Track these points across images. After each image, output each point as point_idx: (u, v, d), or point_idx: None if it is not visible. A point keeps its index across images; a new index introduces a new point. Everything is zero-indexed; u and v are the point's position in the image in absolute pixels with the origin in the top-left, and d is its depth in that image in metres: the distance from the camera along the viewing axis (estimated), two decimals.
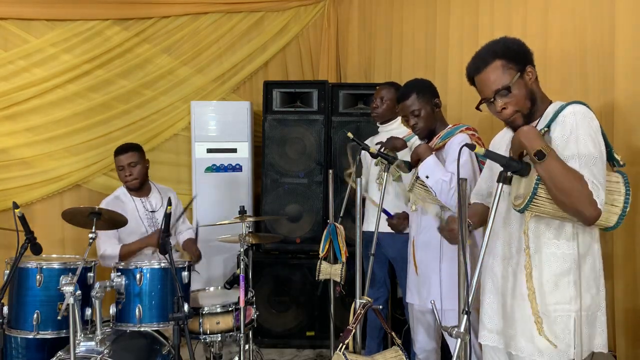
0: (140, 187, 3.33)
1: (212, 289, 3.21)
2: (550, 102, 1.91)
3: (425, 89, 2.63)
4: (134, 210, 3.28)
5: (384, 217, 2.63)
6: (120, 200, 3.30)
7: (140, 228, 3.28)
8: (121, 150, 3.32)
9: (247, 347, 2.90)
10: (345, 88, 4.27)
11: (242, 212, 2.93)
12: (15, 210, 2.48)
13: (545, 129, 1.80)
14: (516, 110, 1.85)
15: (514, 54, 1.85)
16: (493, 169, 2.02)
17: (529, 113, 1.86)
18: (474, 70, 1.90)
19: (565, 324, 1.78)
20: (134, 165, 3.29)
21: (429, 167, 2.44)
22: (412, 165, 2.54)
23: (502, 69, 1.83)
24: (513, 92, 1.83)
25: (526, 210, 1.73)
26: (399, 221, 2.97)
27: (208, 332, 2.77)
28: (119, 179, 4.21)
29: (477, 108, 1.94)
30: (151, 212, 3.32)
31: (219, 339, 2.81)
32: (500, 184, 1.69)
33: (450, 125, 2.64)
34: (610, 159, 1.85)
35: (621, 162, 1.86)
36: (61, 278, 2.35)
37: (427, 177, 2.43)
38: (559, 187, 1.65)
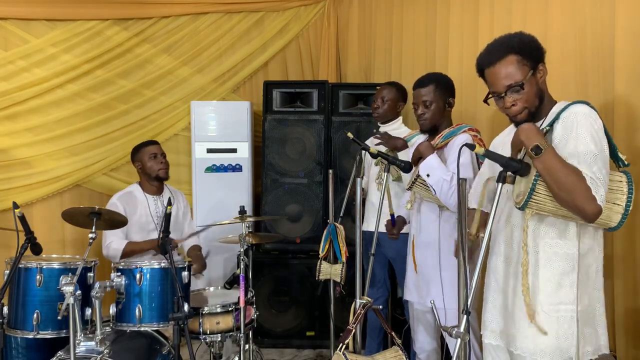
0: (166, 179, 3.40)
1: (212, 289, 3.21)
2: (555, 102, 1.91)
3: (444, 84, 2.63)
4: (146, 207, 3.31)
5: (384, 217, 2.62)
6: (132, 195, 3.33)
7: (149, 225, 3.29)
8: (151, 142, 3.45)
9: (247, 347, 2.90)
10: (345, 88, 4.27)
11: (242, 212, 2.94)
12: (15, 210, 2.48)
13: (548, 127, 1.80)
14: (525, 107, 1.84)
15: (530, 50, 1.83)
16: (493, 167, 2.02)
17: (535, 111, 1.86)
18: (487, 62, 1.87)
19: (568, 323, 1.78)
20: (165, 157, 3.40)
21: (430, 165, 2.43)
22: (413, 163, 2.53)
23: (517, 64, 1.81)
24: (525, 89, 1.81)
25: (526, 207, 1.73)
26: (396, 229, 2.76)
27: (208, 332, 2.77)
28: (118, 179, 4.27)
29: (485, 101, 1.92)
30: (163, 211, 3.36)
31: (219, 339, 2.81)
32: (500, 184, 1.69)
33: (452, 125, 2.64)
34: (615, 159, 1.84)
35: (626, 162, 1.85)
36: (61, 278, 2.35)
37: (427, 175, 2.42)
38: (557, 183, 1.65)
